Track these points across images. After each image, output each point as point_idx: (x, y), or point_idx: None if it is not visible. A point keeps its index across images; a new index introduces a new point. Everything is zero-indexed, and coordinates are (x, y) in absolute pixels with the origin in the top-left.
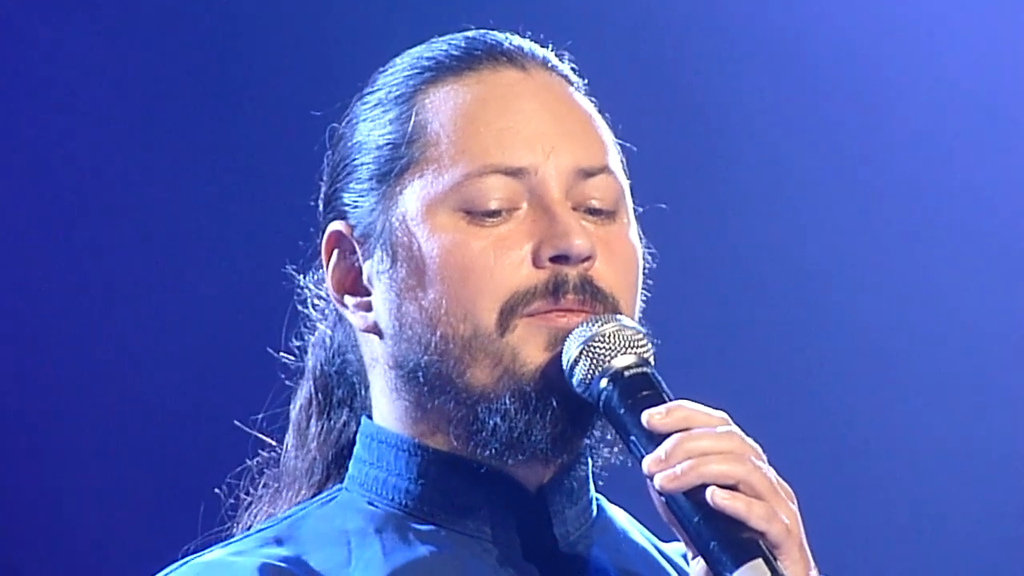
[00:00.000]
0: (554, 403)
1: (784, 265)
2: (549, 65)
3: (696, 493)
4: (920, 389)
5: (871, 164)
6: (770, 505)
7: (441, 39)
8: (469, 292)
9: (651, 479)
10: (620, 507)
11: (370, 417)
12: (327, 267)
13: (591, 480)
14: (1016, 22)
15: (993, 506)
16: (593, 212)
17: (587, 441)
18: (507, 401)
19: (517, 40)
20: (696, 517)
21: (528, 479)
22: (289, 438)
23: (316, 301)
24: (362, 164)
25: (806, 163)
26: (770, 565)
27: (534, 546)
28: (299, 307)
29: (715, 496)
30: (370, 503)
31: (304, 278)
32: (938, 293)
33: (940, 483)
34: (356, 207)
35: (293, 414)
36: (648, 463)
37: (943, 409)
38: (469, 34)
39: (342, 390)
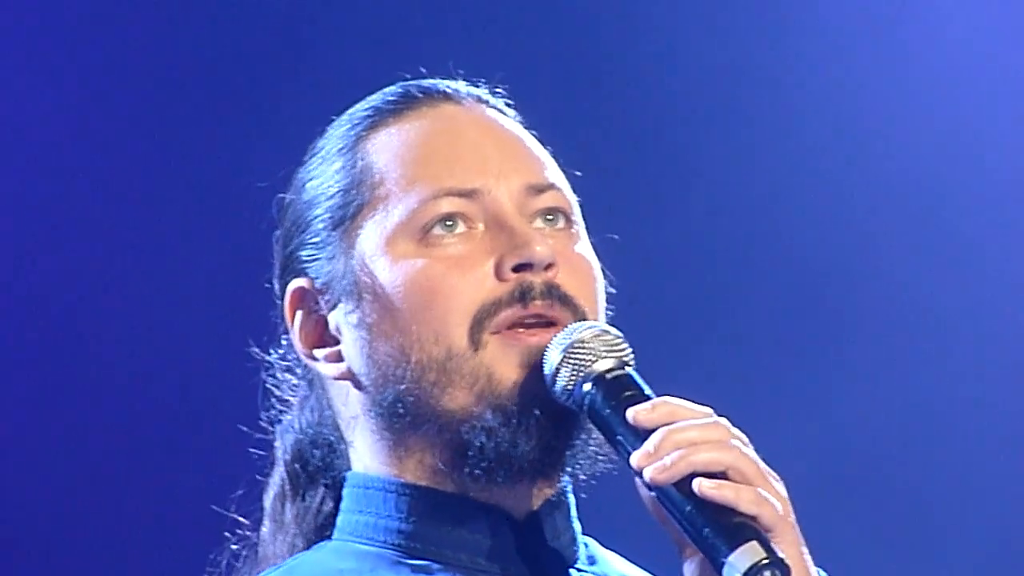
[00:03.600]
0: (537, 413)
1: (774, 262)
2: (483, 99)
3: (685, 484)
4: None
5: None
6: (759, 489)
7: (375, 94)
8: (437, 313)
9: (640, 475)
10: (612, 550)
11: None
12: (292, 327)
13: (575, 513)
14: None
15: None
16: (548, 220)
17: (569, 456)
18: (489, 418)
19: (450, 82)
20: (687, 507)
21: (516, 508)
22: (265, 526)
23: (284, 375)
24: (315, 218)
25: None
26: (765, 546)
27: (529, 574)
28: (268, 386)
29: (702, 486)
30: (362, 545)
31: (270, 354)
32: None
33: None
34: (315, 260)
35: (267, 503)
36: (637, 457)
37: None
38: (402, 83)
39: (318, 456)
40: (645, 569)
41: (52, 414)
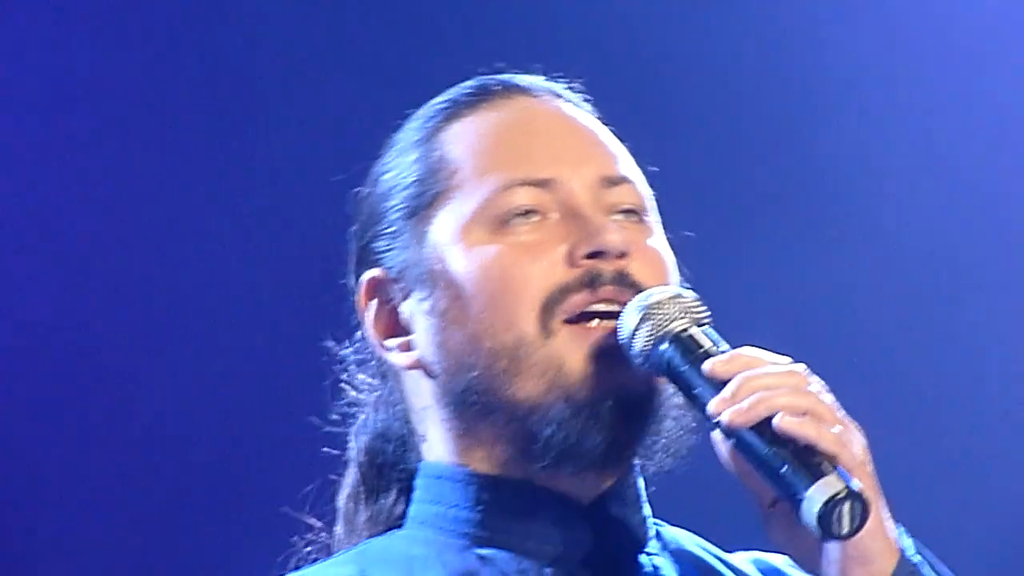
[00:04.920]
0: (609, 404)
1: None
2: (558, 93)
3: (763, 427)
4: None
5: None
6: (838, 431)
7: (450, 89)
8: (508, 300)
9: (718, 425)
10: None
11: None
12: (365, 317)
13: (644, 496)
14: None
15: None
16: (623, 213)
17: (638, 448)
18: (560, 409)
19: (526, 77)
20: (765, 449)
21: (584, 495)
22: (338, 527)
23: (359, 375)
24: (390, 209)
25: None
26: (843, 479)
27: (596, 561)
28: (341, 385)
29: (783, 421)
30: (433, 533)
31: (342, 347)
32: None
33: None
34: (389, 250)
35: (340, 503)
36: (714, 403)
37: None
38: (478, 78)
39: (390, 451)
40: (717, 545)
41: (127, 412)
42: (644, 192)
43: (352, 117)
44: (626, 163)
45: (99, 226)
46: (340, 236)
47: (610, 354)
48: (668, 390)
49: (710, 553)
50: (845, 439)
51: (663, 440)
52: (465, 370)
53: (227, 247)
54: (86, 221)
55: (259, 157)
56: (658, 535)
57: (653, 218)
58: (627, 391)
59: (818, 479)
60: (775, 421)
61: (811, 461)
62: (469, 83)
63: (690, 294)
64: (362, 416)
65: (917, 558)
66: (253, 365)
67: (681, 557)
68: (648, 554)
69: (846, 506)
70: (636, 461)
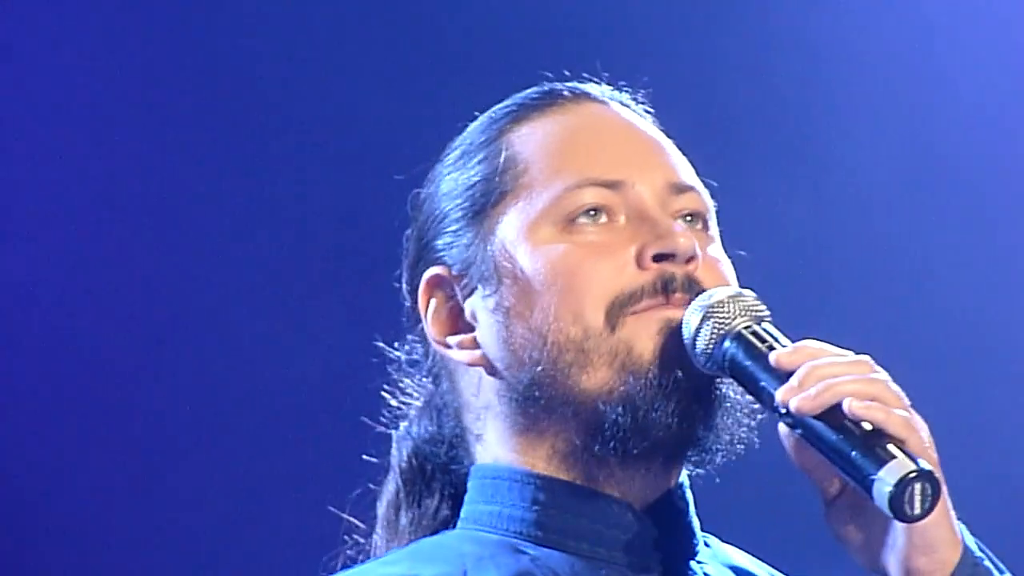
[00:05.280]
0: (679, 375)
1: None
2: (625, 102)
3: (831, 415)
4: None
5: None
6: (906, 416)
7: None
8: (576, 295)
9: (785, 415)
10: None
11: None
12: (426, 315)
13: (694, 509)
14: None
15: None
16: (687, 221)
17: (705, 430)
18: (630, 383)
19: (593, 85)
20: (833, 436)
21: (639, 500)
22: (378, 533)
23: (404, 381)
24: (453, 207)
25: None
26: (914, 461)
27: (649, 565)
28: (384, 393)
29: (852, 405)
30: (485, 533)
31: (396, 347)
32: None
33: None
34: (452, 247)
35: (380, 510)
36: (782, 392)
37: None
38: (545, 83)
39: (440, 453)
40: (766, 562)
41: (179, 411)
42: (708, 203)
43: (402, 121)
44: (690, 172)
45: (118, 226)
46: (384, 237)
47: (677, 340)
48: (729, 392)
49: (761, 568)
50: (912, 425)
51: (725, 436)
52: (531, 364)
53: (262, 244)
54: (113, 220)
55: (293, 155)
56: (706, 545)
57: (714, 229)
58: (693, 369)
59: (889, 460)
60: (845, 405)
61: (881, 444)
62: (535, 88)
63: (750, 293)
64: (404, 423)
65: (980, 554)
66: (285, 364)
67: (732, 570)
68: (699, 562)
69: (918, 486)
70: (697, 459)
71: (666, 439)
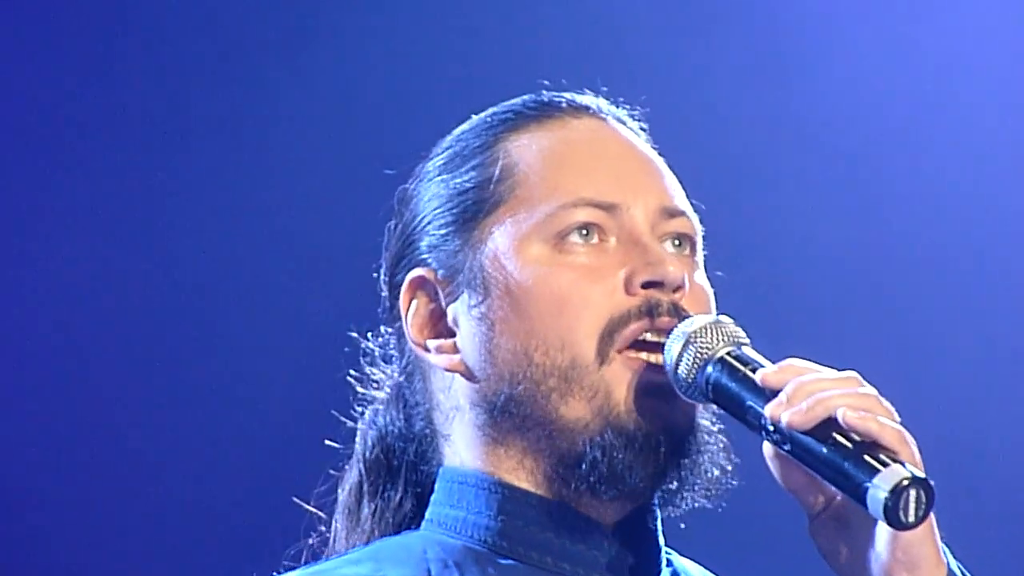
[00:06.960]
0: (662, 439)
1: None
2: (622, 119)
3: (821, 429)
4: None
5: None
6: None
7: (512, 100)
8: (566, 320)
9: (771, 434)
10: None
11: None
12: (406, 315)
13: (660, 526)
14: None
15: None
16: (676, 245)
17: (675, 482)
18: (609, 437)
19: (591, 98)
20: (824, 449)
21: (606, 517)
22: (338, 522)
23: (372, 371)
24: (443, 210)
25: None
26: (908, 470)
27: None
28: (352, 380)
29: (848, 416)
30: (449, 537)
31: (368, 340)
32: None
33: None
34: (438, 251)
35: (342, 496)
36: (771, 407)
37: None
38: (542, 92)
39: (410, 451)
40: None
41: (168, 407)
42: (697, 227)
43: (392, 119)
44: (682, 196)
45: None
46: (358, 232)
47: (658, 389)
48: (707, 425)
49: None
50: (905, 437)
51: (702, 474)
52: (511, 381)
53: (242, 242)
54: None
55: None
56: (669, 563)
57: (699, 254)
58: (673, 424)
59: (883, 468)
60: (840, 416)
61: (873, 454)
62: (532, 96)
63: (729, 320)
64: (369, 411)
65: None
66: (261, 358)
67: None
68: None
69: (912, 493)
70: (665, 509)
71: (640, 489)
